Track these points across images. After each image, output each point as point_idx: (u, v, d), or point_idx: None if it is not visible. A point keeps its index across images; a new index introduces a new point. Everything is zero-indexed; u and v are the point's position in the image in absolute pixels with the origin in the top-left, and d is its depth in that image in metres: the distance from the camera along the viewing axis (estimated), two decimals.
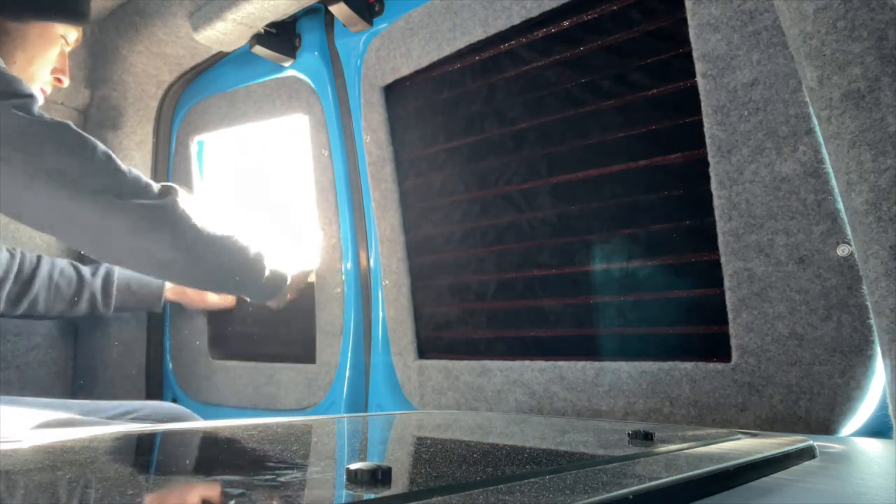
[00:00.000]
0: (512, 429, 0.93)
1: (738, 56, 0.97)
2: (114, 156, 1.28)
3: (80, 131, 1.25)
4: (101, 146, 1.26)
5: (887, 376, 0.78)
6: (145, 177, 1.31)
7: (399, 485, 0.47)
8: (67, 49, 1.43)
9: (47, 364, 1.88)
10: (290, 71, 1.67)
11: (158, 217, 1.27)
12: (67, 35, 1.41)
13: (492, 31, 1.28)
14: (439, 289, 1.43)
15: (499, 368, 1.29)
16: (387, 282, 1.51)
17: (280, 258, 1.58)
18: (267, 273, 1.47)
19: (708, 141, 1.01)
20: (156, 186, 1.31)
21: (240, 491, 0.47)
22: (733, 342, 0.99)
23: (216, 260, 1.37)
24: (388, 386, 1.49)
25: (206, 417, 1.74)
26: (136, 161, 1.96)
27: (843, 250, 0.89)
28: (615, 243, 1.15)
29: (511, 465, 0.62)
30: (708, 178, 1.01)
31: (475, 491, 0.46)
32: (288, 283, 1.54)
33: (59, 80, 1.43)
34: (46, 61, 1.38)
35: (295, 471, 0.58)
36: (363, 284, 1.56)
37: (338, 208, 1.58)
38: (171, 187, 1.33)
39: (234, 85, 1.81)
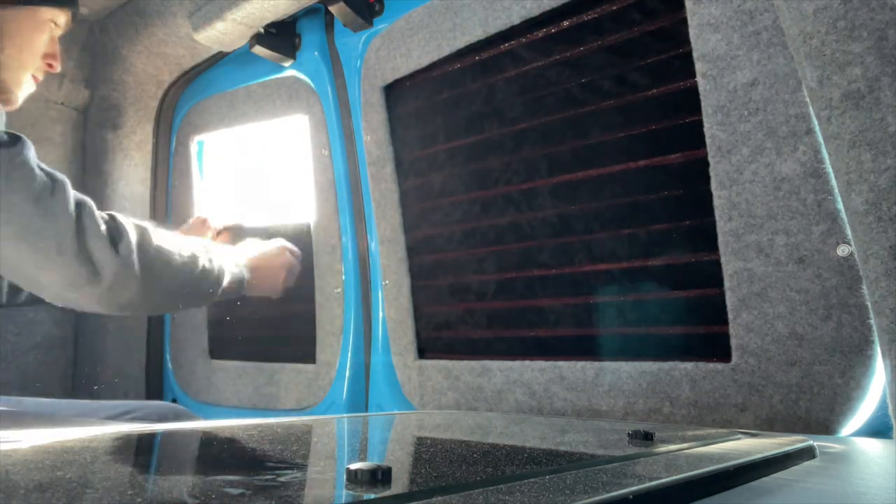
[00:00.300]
0: (512, 429, 0.93)
1: (738, 56, 0.97)
2: (66, 193, 1.16)
3: (32, 164, 1.14)
4: (52, 182, 1.15)
5: (887, 376, 0.78)
6: (96, 214, 1.18)
7: (399, 485, 0.47)
8: (58, 33, 1.37)
9: (47, 364, 1.88)
10: (290, 71, 1.67)
11: (96, 273, 1.16)
12: (56, 19, 1.36)
13: (492, 31, 1.28)
14: (439, 289, 1.43)
15: (499, 368, 1.29)
16: (387, 282, 1.51)
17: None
18: (224, 285, 1.36)
19: (708, 141, 1.01)
20: (102, 226, 1.18)
21: (240, 491, 0.47)
22: (733, 342, 0.99)
23: (164, 298, 1.26)
24: (388, 386, 1.49)
25: (206, 417, 1.74)
26: (136, 161, 1.96)
27: (843, 250, 0.89)
28: (615, 243, 1.15)
29: (511, 465, 0.62)
30: (708, 178, 1.01)
31: (475, 491, 0.46)
32: (246, 277, 1.41)
33: (50, 66, 1.37)
34: (36, 48, 1.33)
35: (295, 471, 0.58)
36: (363, 284, 1.56)
37: (338, 208, 1.58)
38: (118, 227, 1.20)
39: (234, 85, 1.81)
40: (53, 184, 1.16)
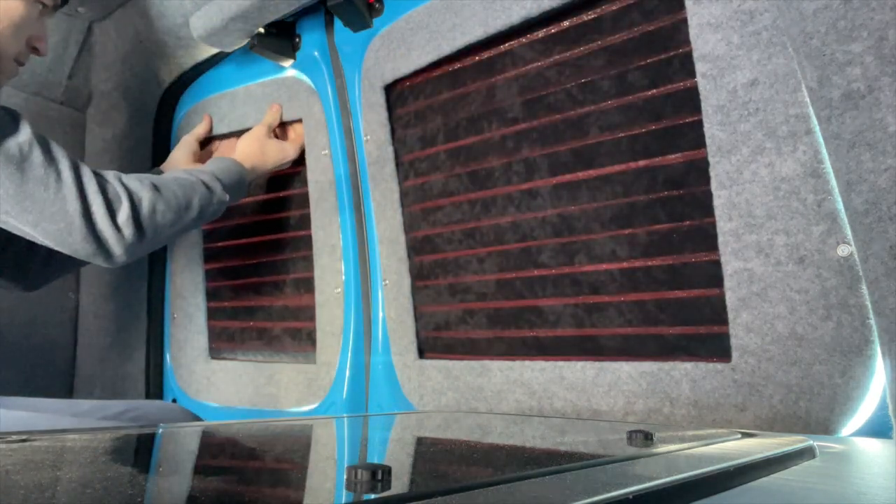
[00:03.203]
0: (512, 429, 0.93)
1: (738, 56, 0.97)
2: (70, 171, 1.15)
3: (37, 146, 1.13)
4: (55, 162, 1.14)
5: (887, 376, 0.78)
6: (94, 184, 1.18)
7: (399, 485, 0.47)
8: (48, 16, 1.31)
9: (47, 364, 1.88)
10: (290, 71, 1.67)
11: (103, 247, 1.19)
12: None
13: (492, 31, 1.28)
14: (439, 289, 1.43)
15: (499, 368, 1.29)
16: (387, 282, 1.51)
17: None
18: (227, 200, 1.40)
19: (708, 141, 1.01)
20: (100, 197, 1.18)
21: (240, 491, 0.47)
22: (733, 342, 0.99)
23: (174, 237, 1.34)
24: (388, 386, 1.49)
25: (206, 417, 1.74)
26: (135, 161, 1.96)
27: (843, 250, 0.89)
28: (615, 243, 1.15)
29: (511, 465, 0.62)
30: (708, 178, 1.01)
31: (475, 491, 0.46)
32: (246, 173, 1.49)
33: (35, 50, 1.30)
34: (19, 29, 1.25)
35: (295, 471, 0.58)
36: (363, 284, 1.56)
37: (338, 208, 1.59)
38: (116, 195, 1.20)
39: (234, 85, 1.81)
40: (58, 164, 1.16)
